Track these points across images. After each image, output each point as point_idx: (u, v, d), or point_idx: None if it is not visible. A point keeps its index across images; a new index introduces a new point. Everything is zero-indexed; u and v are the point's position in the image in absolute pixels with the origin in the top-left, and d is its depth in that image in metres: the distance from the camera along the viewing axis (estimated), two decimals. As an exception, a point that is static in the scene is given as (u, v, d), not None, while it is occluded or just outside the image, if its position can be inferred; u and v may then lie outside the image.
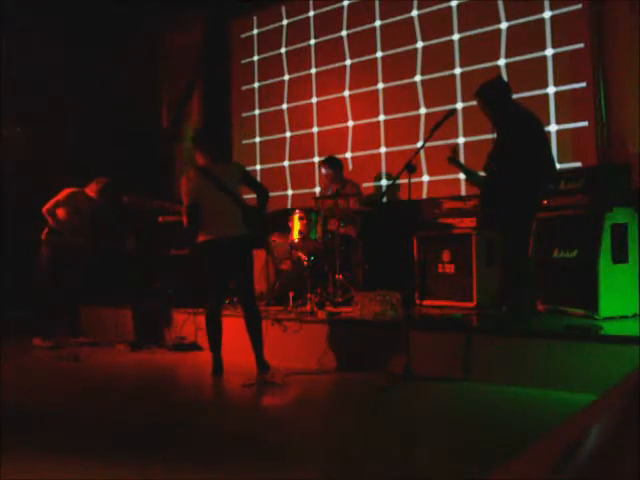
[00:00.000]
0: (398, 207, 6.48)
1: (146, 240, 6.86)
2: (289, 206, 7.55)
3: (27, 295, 6.51)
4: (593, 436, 0.75)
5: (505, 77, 5.65)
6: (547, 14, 5.73)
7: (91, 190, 6.20)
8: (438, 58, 6.47)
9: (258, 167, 8.11)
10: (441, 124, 4.29)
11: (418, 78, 6.65)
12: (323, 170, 6.42)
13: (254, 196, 4.73)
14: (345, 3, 7.30)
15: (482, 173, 4.76)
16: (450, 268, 5.34)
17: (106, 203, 6.27)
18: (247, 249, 4.62)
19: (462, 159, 6.09)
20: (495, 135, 4.63)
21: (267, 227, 5.32)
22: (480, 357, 4.05)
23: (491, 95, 4.56)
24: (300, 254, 5.68)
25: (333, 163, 6.38)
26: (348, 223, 6.05)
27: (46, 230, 6.04)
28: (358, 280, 5.87)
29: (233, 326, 4.91)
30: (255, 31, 8.27)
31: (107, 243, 6.30)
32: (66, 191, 6.06)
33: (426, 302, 5.42)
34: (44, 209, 5.95)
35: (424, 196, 6.47)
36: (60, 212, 6.00)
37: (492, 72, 5.70)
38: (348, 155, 7.17)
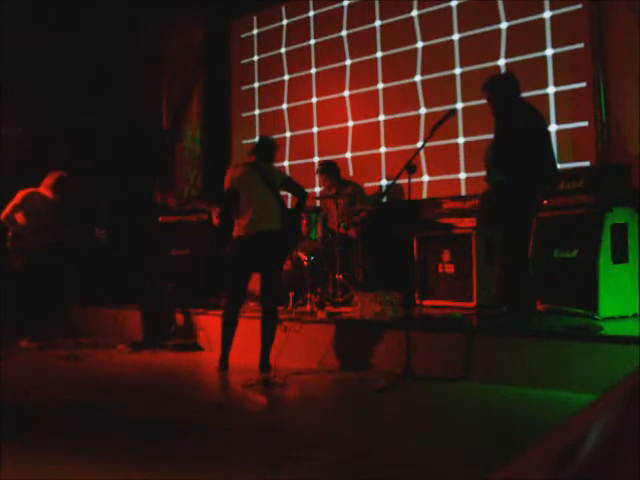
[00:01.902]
0: (398, 207, 6.48)
1: (146, 240, 6.86)
2: (289, 206, 7.54)
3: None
4: (593, 436, 0.75)
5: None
6: (547, 14, 5.73)
7: (45, 187, 6.09)
8: (438, 58, 6.46)
9: (258, 167, 8.10)
10: (441, 124, 4.29)
11: (418, 78, 6.65)
12: (320, 176, 6.47)
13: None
14: (345, 3, 7.30)
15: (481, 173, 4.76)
16: (450, 268, 5.34)
17: (61, 198, 6.14)
18: (279, 246, 4.68)
19: (462, 159, 6.10)
20: (494, 133, 4.62)
21: (300, 229, 5.38)
22: (480, 357, 4.05)
23: (499, 90, 4.55)
24: (300, 254, 5.68)
25: (327, 167, 6.40)
26: (351, 225, 6.06)
27: (10, 235, 5.95)
28: (358, 280, 5.87)
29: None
30: (255, 31, 8.27)
31: (70, 239, 6.20)
32: (21, 193, 5.94)
33: (426, 302, 5.43)
34: (2, 216, 5.84)
35: (424, 196, 6.47)
36: (19, 216, 5.89)
37: (492, 72, 5.69)
38: (348, 155, 7.17)
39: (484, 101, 4.74)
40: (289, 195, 5.73)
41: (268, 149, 4.88)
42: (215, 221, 4.68)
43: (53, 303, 6.20)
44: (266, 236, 4.50)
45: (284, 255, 4.80)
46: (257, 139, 5.11)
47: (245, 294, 4.82)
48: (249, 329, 4.72)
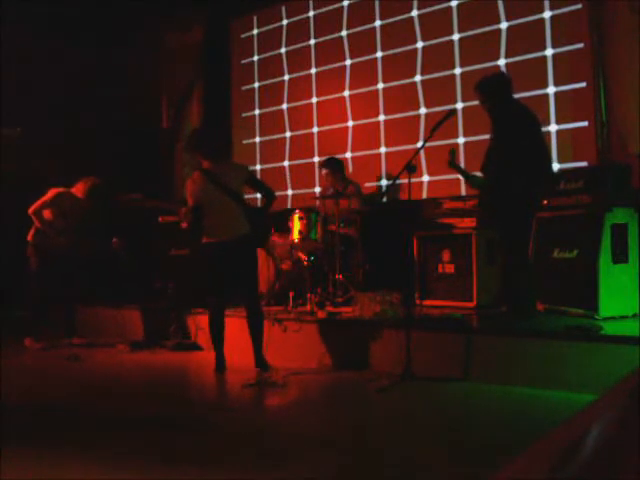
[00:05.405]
0: (398, 207, 6.48)
1: (146, 240, 6.86)
2: (289, 206, 7.55)
3: (25, 295, 6.47)
4: (593, 436, 0.75)
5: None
6: (547, 14, 5.73)
7: (78, 190, 6.09)
8: (438, 58, 6.47)
9: (258, 167, 8.11)
10: (441, 124, 4.29)
11: (418, 78, 6.65)
12: (323, 171, 6.43)
13: (253, 195, 4.75)
14: (345, 3, 7.30)
15: (479, 174, 4.75)
16: (450, 268, 5.34)
17: (93, 204, 6.16)
18: (250, 248, 4.66)
19: (462, 159, 6.10)
20: (491, 133, 4.61)
21: (269, 227, 5.36)
22: (480, 357, 4.05)
23: (490, 90, 4.55)
24: (300, 254, 5.68)
25: (333, 164, 6.38)
26: (349, 224, 6.06)
27: (32, 231, 5.97)
28: (358, 280, 5.86)
29: (233, 326, 4.91)
30: (255, 31, 8.27)
31: (93, 244, 6.21)
32: (52, 191, 5.96)
33: (426, 302, 5.43)
34: (30, 210, 5.85)
35: (424, 196, 6.47)
36: (46, 213, 5.90)
37: (492, 72, 5.69)
38: (348, 155, 7.17)
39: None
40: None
41: (206, 142, 4.63)
42: (183, 225, 4.60)
43: (57, 303, 6.20)
44: (236, 242, 4.48)
45: (255, 255, 4.74)
46: (190, 132, 4.82)
47: (226, 296, 4.79)
48: (246, 328, 4.71)
